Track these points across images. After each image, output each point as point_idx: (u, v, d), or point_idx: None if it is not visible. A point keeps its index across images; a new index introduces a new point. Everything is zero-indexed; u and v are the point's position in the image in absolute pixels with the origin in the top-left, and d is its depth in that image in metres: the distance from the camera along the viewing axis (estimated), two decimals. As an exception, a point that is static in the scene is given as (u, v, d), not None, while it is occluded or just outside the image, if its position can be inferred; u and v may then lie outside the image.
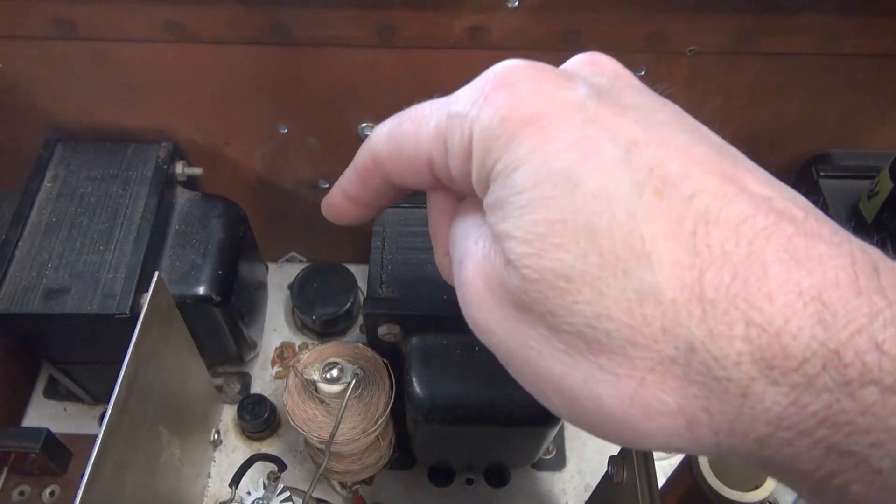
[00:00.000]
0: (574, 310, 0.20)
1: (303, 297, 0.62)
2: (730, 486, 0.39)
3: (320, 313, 0.60)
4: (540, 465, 0.57)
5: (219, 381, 0.59)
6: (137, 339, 0.39)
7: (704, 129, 0.24)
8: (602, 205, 0.20)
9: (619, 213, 0.19)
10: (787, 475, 0.19)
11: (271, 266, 0.68)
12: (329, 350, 0.44)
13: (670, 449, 0.20)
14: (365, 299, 0.43)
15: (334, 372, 0.41)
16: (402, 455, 0.56)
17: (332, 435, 0.39)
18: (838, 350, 0.17)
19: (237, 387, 0.60)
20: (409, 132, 0.26)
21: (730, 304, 0.18)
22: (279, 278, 0.67)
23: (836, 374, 0.17)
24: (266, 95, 0.50)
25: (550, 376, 0.21)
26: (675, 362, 0.19)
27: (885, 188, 0.40)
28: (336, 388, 0.40)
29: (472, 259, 0.24)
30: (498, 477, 0.57)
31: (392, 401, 0.43)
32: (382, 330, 0.43)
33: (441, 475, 0.57)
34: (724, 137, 0.59)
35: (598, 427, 0.21)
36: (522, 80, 0.23)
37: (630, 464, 0.34)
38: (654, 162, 0.20)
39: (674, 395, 0.19)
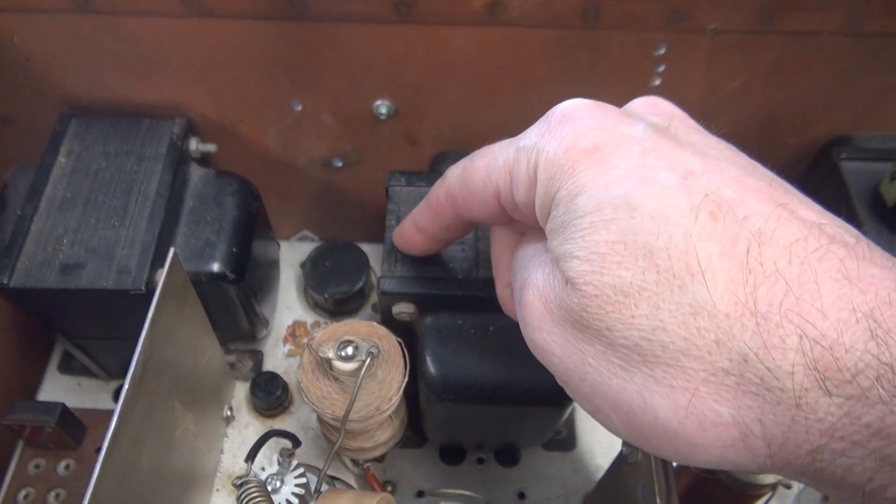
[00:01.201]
0: (631, 323, 0.21)
1: (315, 276, 0.62)
2: (744, 469, 0.39)
3: (333, 292, 0.60)
4: (550, 446, 0.57)
5: (231, 358, 0.59)
6: (154, 315, 0.39)
7: (757, 164, 0.25)
8: (660, 226, 0.21)
9: (675, 234, 0.21)
10: (838, 489, 0.19)
11: (283, 244, 0.68)
12: (343, 328, 0.44)
13: (725, 463, 0.21)
14: (380, 278, 0.43)
15: (349, 350, 0.41)
16: (414, 434, 0.57)
17: (347, 413, 0.39)
18: (891, 364, 0.17)
19: (249, 364, 0.60)
20: (480, 167, 0.28)
21: (783, 318, 0.19)
22: (291, 256, 0.67)
23: (889, 387, 0.17)
24: (281, 71, 0.49)
25: (607, 391, 0.22)
26: (728, 373, 0.19)
27: (907, 171, 0.40)
28: (351, 366, 0.40)
29: (532, 284, 0.25)
30: (508, 456, 0.57)
31: (406, 379, 0.43)
32: (397, 309, 0.43)
33: (452, 454, 0.57)
34: (744, 117, 0.59)
35: (654, 441, 0.21)
36: (585, 116, 0.24)
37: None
38: (710, 188, 0.21)
39: (728, 405, 0.19)
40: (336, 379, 0.42)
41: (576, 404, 0.58)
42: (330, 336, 0.43)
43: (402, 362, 0.43)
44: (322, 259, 0.62)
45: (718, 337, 0.19)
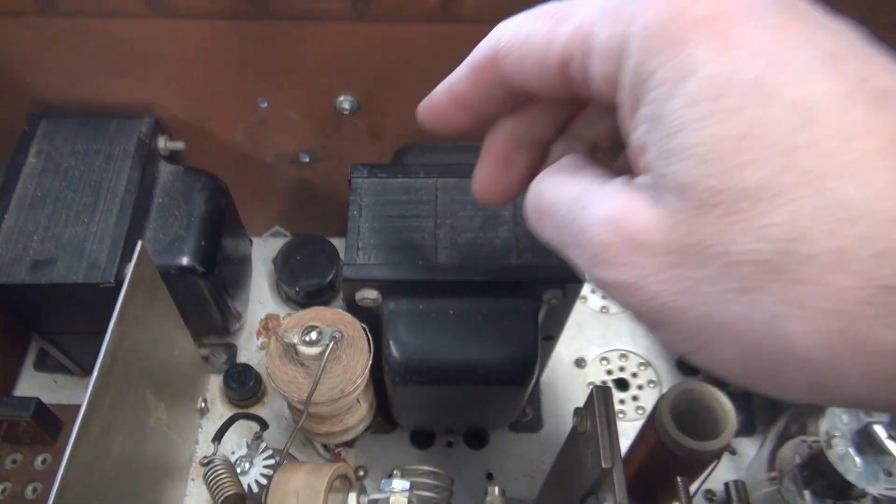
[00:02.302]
0: (762, 234, 0.17)
1: (286, 270, 0.63)
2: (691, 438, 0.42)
3: (304, 285, 0.62)
4: (517, 428, 0.59)
5: (205, 351, 0.60)
6: (122, 304, 0.40)
7: None
8: (804, 117, 0.17)
9: (824, 127, 0.17)
10: None
11: (256, 240, 0.69)
12: (309, 315, 0.45)
13: (873, 403, 0.18)
14: (342, 265, 0.44)
15: (313, 335, 0.42)
16: (384, 420, 0.58)
17: (311, 393, 0.40)
18: None
19: (223, 357, 0.61)
20: (545, 27, 0.23)
21: None
22: (264, 252, 0.68)
23: None
24: (246, 69, 0.51)
25: (721, 321, 0.18)
26: (894, 291, 0.16)
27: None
28: (315, 351, 0.42)
29: (599, 212, 0.21)
30: (477, 439, 0.59)
31: (370, 362, 0.44)
32: (360, 295, 0.45)
33: (422, 438, 0.59)
34: None
35: (784, 376, 0.18)
36: None
37: (592, 414, 0.36)
38: (866, 73, 0.18)
39: (893, 330, 0.16)
40: (302, 364, 0.43)
41: (540, 385, 0.61)
42: (296, 323, 0.44)
43: (366, 346, 0.45)
44: (293, 254, 0.64)
45: (885, 248, 0.16)
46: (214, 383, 0.61)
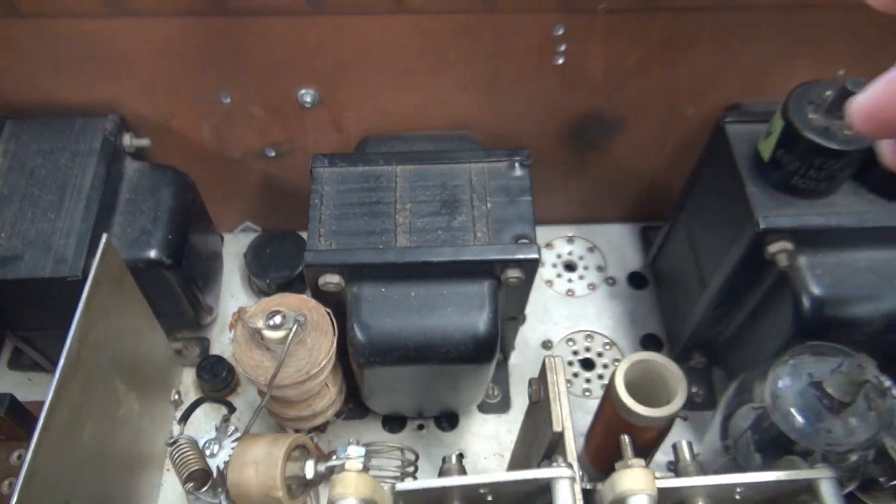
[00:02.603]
0: None
1: (257, 263, 0.64)
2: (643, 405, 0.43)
3: (274, 277, 0.63)
4: (486, 409, 0.60)
5: (178, 345, 0.61)
6: (88, 295, 0.41)
7: None
8: None
9: None
10: None
11: (227, 236, 0.70)
12: (274, 301, 0.46)
13: None
14: (305, 251, 0.46)
15: (277, 319, 0.43)
16: (356, 406, 0.59)
17: (275, 374, 0.41)
18: None
19: (196, 350, 0.62)
20: None
21: None
22: (235, 247, 0.69)
23: None
24: (207, 66, 0.52)
25: None
26: None
27: (777, 128, 0.44)
28: (279, 334, 0.43)
29: None
30: (447, 421, 0.60)
31: (334, 345, 0.46)
32: (323, 280, 0.46)
33: (394, 423, 0.60)
34: (646, 91, 0.63)
35: None
36: None
37: (544, 383, 0.38)
38: None
39: None
40: (267, 348, 0.45)
41: (509, 367, 0.62)
42: (261, 309, 0.45)
43: (330, 330, 0.46)
44: (263, 247, 0.65)
45: None
46: (189, 376, 0.61)
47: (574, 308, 0.67)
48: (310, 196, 0.48)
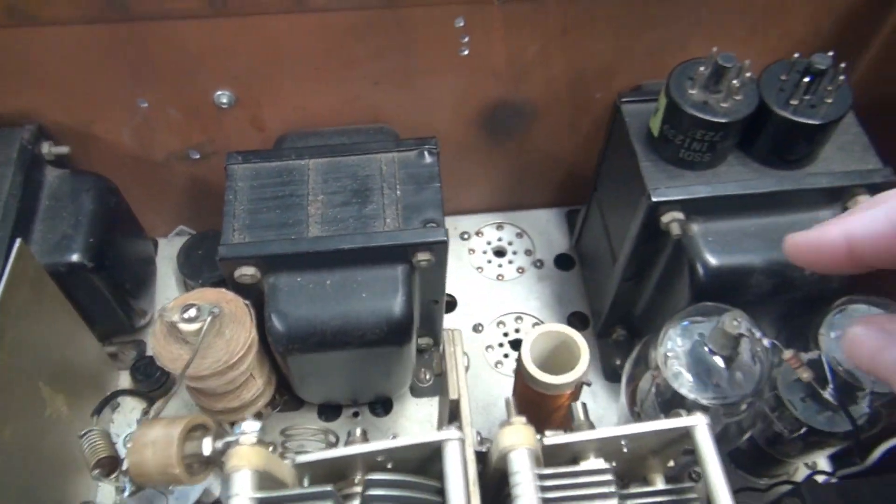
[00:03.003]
0: None
1: (189, 265, 0.65)
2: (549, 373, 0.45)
3: (207, 278, 0.64)
4: (418, 393, 0.62)
5: (112, 348, 0.62)
6: (2, 296, 0.42)
7: None
8: None
9: None
10: None
11: (162, 241, 0.71)
12: (192, 295, 0.48)
13: None
14: (219, 245, 0.47)
15: (192, 312, 0.45)
16: (291, 398, 0.61)
17: (188, 364, 0.43)
18: None
19: (132, 353, 0.63)
20: None
21: None
22: (170, 251, 0.70)
23: None
24: (120, 72, 0.53)
25: None
26: None
27: (662, 105, 0.47)
28: (194, 327, 0.44)
29: None
30: (381, 407, 0.62)
31: (252, 336, 0.47)
32: (238, 272, 0.47)
33: (329, 412, 0.62)
34: (553, 78, 0.65)
35: None
36: None
37: (443, 355, 0.39)
38: None
39: None
40: (185, 341, 0.46)
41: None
42: (178, 303, 0.47)
43: (248, 321, 0.48)
44: (195, 249, 0.66)
45: None
46: (126, 380, 0.62)
47: (504, 292, 0.69)
48: (225, 193, 0.50)
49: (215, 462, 0.35)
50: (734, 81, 0.44)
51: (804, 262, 0.26)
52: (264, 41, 0.52)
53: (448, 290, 0.68)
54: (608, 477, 0.33)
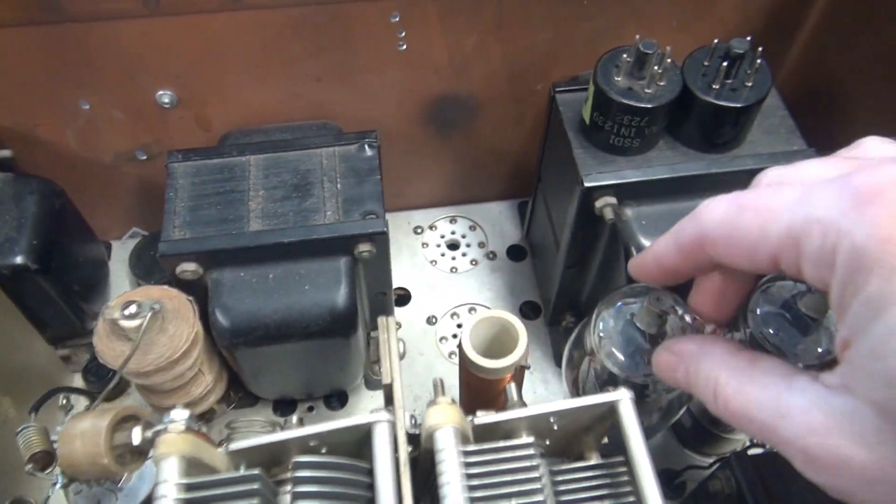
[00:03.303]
0: None
1: (141, 266, 0.65)
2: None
3: (158, 278, 0.64)
4: (372, 385, 0.63)
5: (65, 351, 0.62)
6: (-63, 300, 0.42)
7: None
8: None
9: None
10: None
11: (115, 243, 0.71)
12: (136, 293, 0.48)
13: None
14: (158, 243, 0.47)
15: (132, 308, 0.45)
16: (245, 395, 0.61)
17: (128, 359, 0.43)
18: None
19: (86, 356, 0.63)
20: (752, 225, 0.24)
21: None
22: (124, 254, 0.70)
23: None
24: (59, 74, 0.53)
25: None
26: None
27: (591, 92, 0.48)
28: (135, 323, 0.45)
29: (801, 422, 0.22)
30: (337, 400, 0.63)
31: (195, 331, 0.47)
32: (180, 269, 0.48)
33: (284, 407, 0.62)
34: (492, 71, 0.66)
35: None
36: None
37: (377, 342, 0.40)
38: None
39: None
40: (128, 338, 0.46)
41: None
42: (120, 301, 0.47)
43: (192, 317, 0.48)
44: (146, 249, 0.66)
45: None
46: (80, 382, 0.62)
47: (457, 284, 0.70)
48: (166, 191, 0.50)
49: (147, 452, 0.35)
50: (656, 67, 0.45)
51: (644, 280, 0.33)
52: (202, 40, 0.52)
53: (402, 284, 0.70)
54: (531, 451, 0.34)
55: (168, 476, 0.31)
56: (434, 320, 0.67)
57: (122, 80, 0.54)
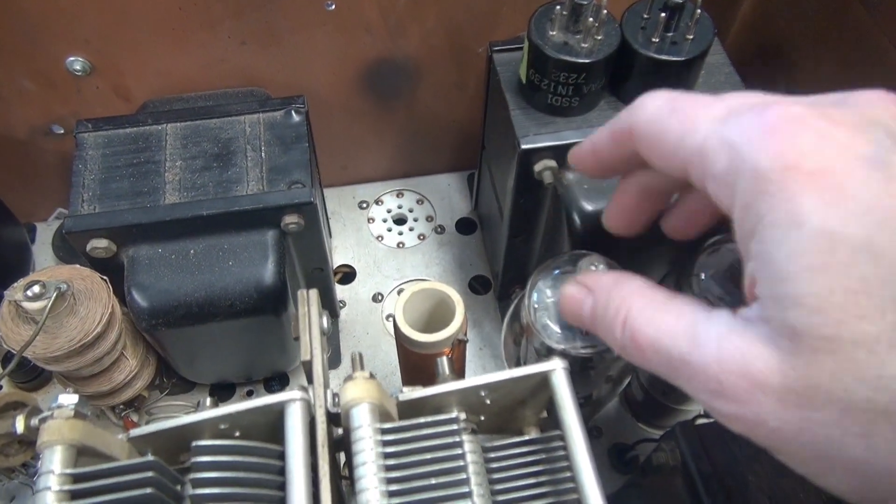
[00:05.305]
0: (880, 384, 0.19)
1: (65, 247, 0.62)
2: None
3: (82, 261, 0.61)
4: (314, 366, 0.60)
5: (-17, 340, 0.58)
6: None
7: None
8: None
9: None
10: None
11: (41, 225, 0.67)
12: (42, 273, 0.45)
13: None
14: (66, 218, 0.44)
15: (35, 289, 0.42)
16: (180, 380, 0.58)
17: (29, 341, 0.40)
18: None
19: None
20: (674, 130, 0.25)
21: None
22: (50, 236, 0.66)
23: None
24: (-43, 40, 0.49)
25: (839, 458, 0.20)
26: None
27: (526, 49, 0.45)
28: (38, 304, 0.42)
29: (716, 348, 0.22)
30: (277, 383, 0.60)
31: (108, 312, 0.44)
32: (90, 246, 0.45)
33: (222, 391, 0.59)
34: (430, 32, 0.63)
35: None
36: (810, 128, 0.20)
37: (297, 318, 0.38)
38: None
39: None
40: (34, 321, 0.43)
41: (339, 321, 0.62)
42: (25, 281, 0.44)
43: (105, 297, 0.45)
44: (71, 231, 0.62)
45: None
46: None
47: (404, 259, 0.67)
48: (73, 162, 0.47)
49: (32, 440, 0.32)
50: (592, 20, 0.43)
51: (581, 170, 0.32)
52: (113, 1, 0.48)
53: (346, 261, 0.67)
54: (454, 427, 0.32)
55: (51, 466, 0.28)
56: (380, 298, 0.65)
57: (28, 48, 0.50)
